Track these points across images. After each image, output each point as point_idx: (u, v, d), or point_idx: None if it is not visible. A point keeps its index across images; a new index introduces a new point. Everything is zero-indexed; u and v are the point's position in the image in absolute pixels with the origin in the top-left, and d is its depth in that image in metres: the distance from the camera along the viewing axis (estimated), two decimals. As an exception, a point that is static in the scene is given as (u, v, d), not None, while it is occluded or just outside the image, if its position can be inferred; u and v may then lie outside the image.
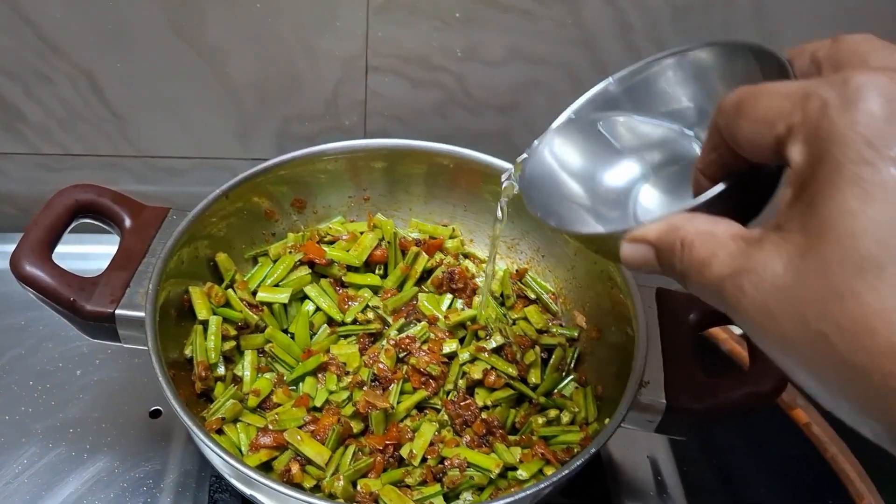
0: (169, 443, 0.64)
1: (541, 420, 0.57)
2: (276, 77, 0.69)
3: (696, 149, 0.40)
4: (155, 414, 0.65)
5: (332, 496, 0.50)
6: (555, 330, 0.64)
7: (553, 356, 0.62)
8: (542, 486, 0.46)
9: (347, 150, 0.65)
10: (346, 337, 0.62)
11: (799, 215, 0.26)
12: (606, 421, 0.50)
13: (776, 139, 0.27)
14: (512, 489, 0.51)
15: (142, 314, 0.51)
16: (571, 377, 0.61)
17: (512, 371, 0.58)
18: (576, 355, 0.62)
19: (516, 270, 0.67)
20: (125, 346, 0.55)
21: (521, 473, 0.53)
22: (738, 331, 0.82)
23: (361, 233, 0.66)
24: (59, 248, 0.55)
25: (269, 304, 0.61)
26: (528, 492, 0.45)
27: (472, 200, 0.68)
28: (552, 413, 0.58)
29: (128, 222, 0.57)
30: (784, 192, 0.27)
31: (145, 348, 0.51)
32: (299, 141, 0.73)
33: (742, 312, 0.27)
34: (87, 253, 0.69)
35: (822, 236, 0.25)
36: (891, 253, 0.23)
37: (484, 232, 0.69)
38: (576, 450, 0.54)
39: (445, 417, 0.57)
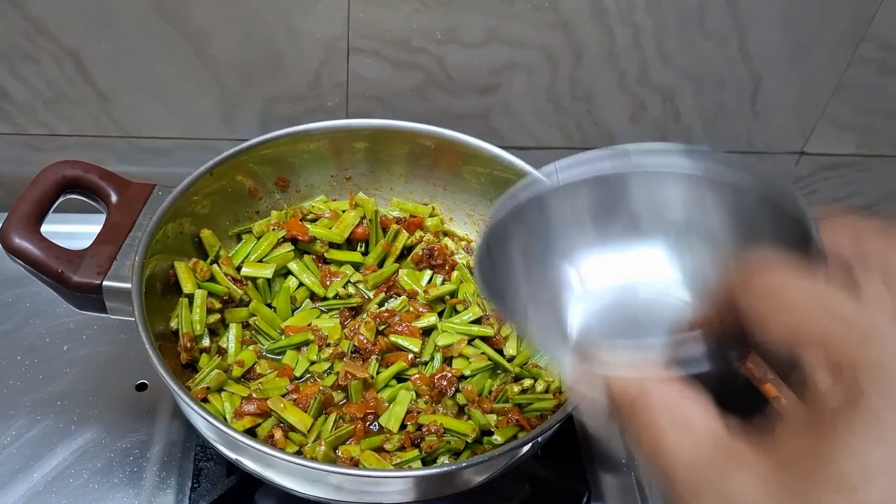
0: (154, 415, 0.65)
1: (516, 388, 0.59)
2: (259, 58, 0.70)
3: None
4: (141, 387, 0.67)
5: (313, 461, 0.52)
6: (531, 304, 0.66)
7: (529, 329, 0.64)
8: (517, 444, 0.48)
9: (331, 130, 0.66)
10: (327, 311, 0.64)
11: (805, 450, 0.22)
12: (578, 387, 0.53)
13: (799, 352, 0.24)
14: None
15: (128, 285, 0.53)
16: (546, 349, 0.63)
17: (489, 332, 0.60)
18: (551, 328, 0.64)
19: (494, 247, 0.69)
20: (112, 318, 0.57)
21: (497, 438, 0.55)
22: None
23: (343, 211, 0.68)
24: (45, 228, 0.56)
25: (254, 279, 0.63)
26: (503, 450, 0.48)
27: (452, 180, 0.70)
28: (527, 382, 0.60)
29: (114, 198, 0.58)
30: (785, 405, 0.24)
31: (132, 319, 0.52)
32: (282, 122, 0.74)
33: None
34: (72, 232, 0.69)
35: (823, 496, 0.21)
36: None
37: (463, 210, 0.71)
38: (549, 416, 0.56)
39: (424, 387, 0.58)
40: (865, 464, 0.21)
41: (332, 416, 0.56)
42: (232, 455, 0.51)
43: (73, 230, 0.71)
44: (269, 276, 0.62)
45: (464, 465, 0.47)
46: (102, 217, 0.59)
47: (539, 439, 0.52)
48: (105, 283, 0.53)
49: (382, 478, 0.47)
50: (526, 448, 0.52)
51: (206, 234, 0.63)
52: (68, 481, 0.60)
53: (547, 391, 0.59)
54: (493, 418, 0.57)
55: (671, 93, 0.78)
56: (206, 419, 0.47)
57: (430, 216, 0.70)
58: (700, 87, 0.77)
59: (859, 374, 0.22)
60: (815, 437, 0.22)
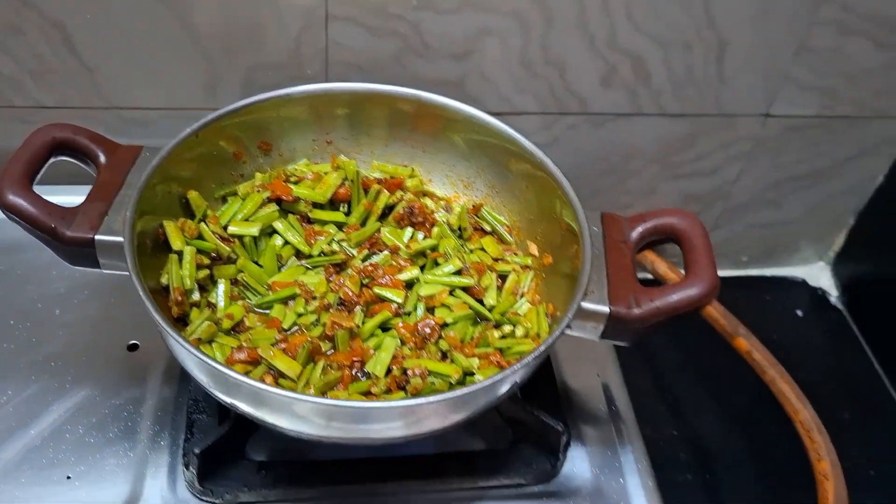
0: (146, 373, 0.67)
1: (497, 334, 0.62)
2: (241, 28, 0.72)
3: None
4: (133, 348, 0.69)
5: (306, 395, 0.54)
6: (509, 258, 0.68)
7: (508, 280, 0.66)
8: (498, 378, 0.50)
9: (311, 94, 0.68)
10: (313, 268, 0.66)
11: None
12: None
13: None
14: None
15: (121, 239, 0.55)
16: (525, 298, 0.65)
17: (471, 282, 0.63)
18: (529, 280, 0.67)
19: (472, 206, 0.71)
20: (102, 280, 0.59)
21: (479, 377, 0.57)
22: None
23: (325, 173, 0.70)
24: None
25: (241, 237, 0.64)
26: (485, 384, 0.50)
27: (431, 142, 0.72)
28: (507, 329, 0.62)
29: (103, 159, 0.60)
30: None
31: (125, 273, 0.54)
32: (264, 90, 0.76)
33: None
34: (60, 203, 0.71)
35: None
36: None
37: (442, 172, 0.73)
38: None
39: (408, 334, 0.61)
40: None
41: (321, 364, 0.58)
42: (226, 398, 0.53)
43: (61, 202, 0.73)
44: (256, 233, 0.64)
45: (447, 396, 0.50)
46: (88, 189, 0.60)
47: (518, 379, 0.55)
48: (97, 237, 0.55)
49: (371, 409, 0.50)
50: (506, 386, 0.54)
51: (192, 195, 0.65)
52: (65, 436, 0.62)
53: (526, 336, 0.62)
54: (475, 361, 0.59)
55: (640, 57, 0.80)
56: (201, 359, 0.49)
57: (409, 177, 0.72)
58: (668, 50, 0.80)
59: None
60: None
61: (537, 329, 0.62)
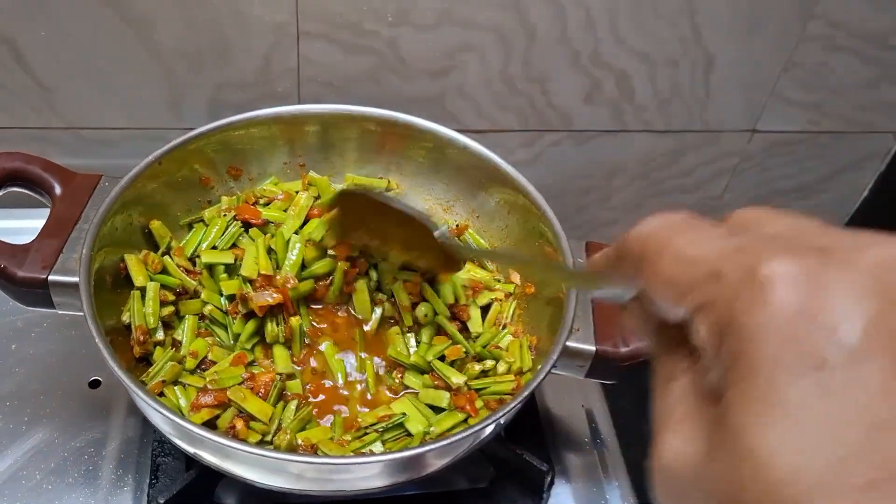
0: (109, 412, 0.64)
1: (477, 368, 0.59)
2: (206, 44, 0.69)
3: None
4: (94, 384, 0.65)
5: (274, 450, 0.51)
6: (491, 286, 0.66)
7: (490, 310, 0.63)
8: (479, 427, 0.48)
9: (281, 116, 0.65)
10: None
11: (714, 420, 0.22)
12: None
13: (683, 310, 0.23)
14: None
15: (76, 279, 0.51)
16: (507, 330, 0.63)
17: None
18: (512, 309, 0.64)
19: (456, 226, 0.68)
20: (60, 313, 0.55)
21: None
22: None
23: (297, 192, 0.67)
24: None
25: (211, 267, 0.61)
26: (466, 433, 0.47)
27: (406, 164, 0.69)
28: (489, 364, 0.60)
29: (58, 190, 0.57)
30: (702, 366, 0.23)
31: (81, 314, 0.51)
32: (232, 109, 0.72)
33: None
34: (18, 228, 0.67)
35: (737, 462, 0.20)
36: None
37: (420, 195, 0.70)
38: (508, 399, 0.56)
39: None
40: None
41: (293, 401, 0.55)
42: (190, 449, 0.50)
43: (18, 226, 0.69)
44: (231, 261, 0.61)
45: (426, 448, 0.47)
46: (45, 212, 0.57)
47: (501, 421, 0.52)
48: (51, 277, 0.52)
49: (345, 465, 0.47)
50: (488, 431, 0.52)
51: (155, 225, 0.61)
52: (20, 483, 0.58)
53: (509, 372, 0.59)
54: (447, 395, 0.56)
55: (625, 73, 0.78)
56: (161, 413, 0.46)
57: (387, 191, 0.69)
58: (653, 66, 0.78)
59: (729, 334, 0.21)
60: (721, 413, 0.21)
61: (520, 364, 0.60)
